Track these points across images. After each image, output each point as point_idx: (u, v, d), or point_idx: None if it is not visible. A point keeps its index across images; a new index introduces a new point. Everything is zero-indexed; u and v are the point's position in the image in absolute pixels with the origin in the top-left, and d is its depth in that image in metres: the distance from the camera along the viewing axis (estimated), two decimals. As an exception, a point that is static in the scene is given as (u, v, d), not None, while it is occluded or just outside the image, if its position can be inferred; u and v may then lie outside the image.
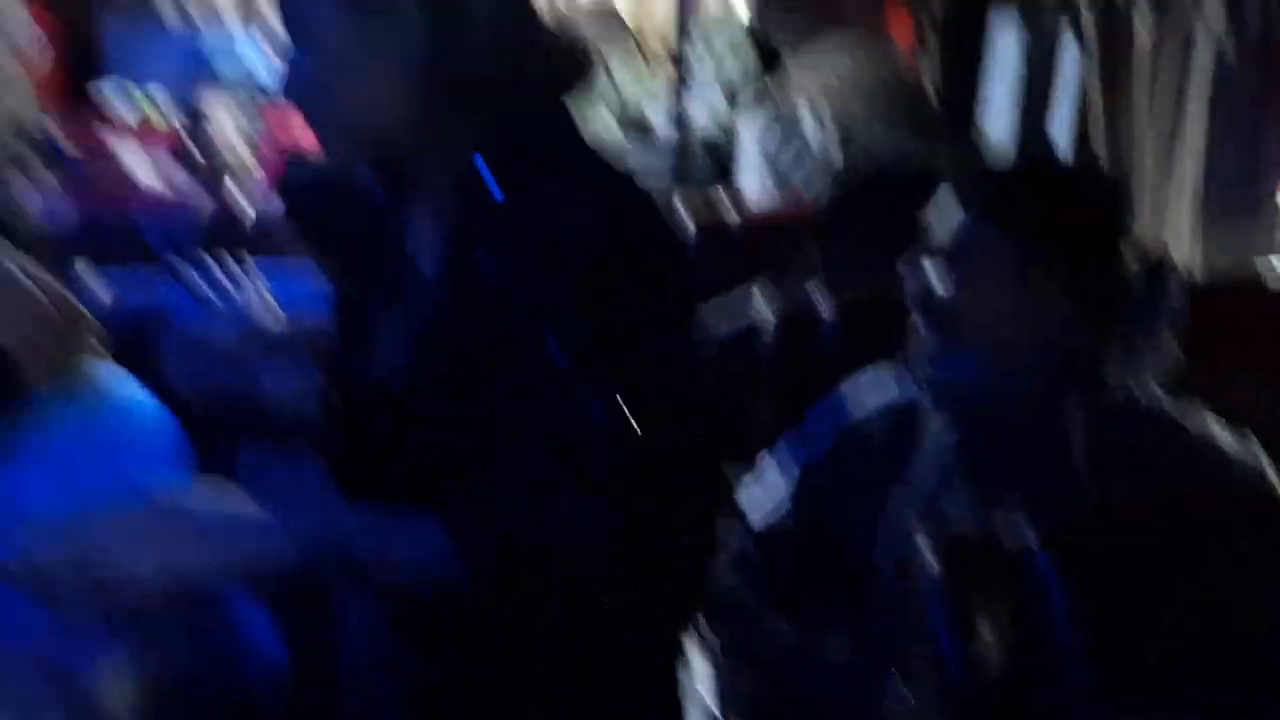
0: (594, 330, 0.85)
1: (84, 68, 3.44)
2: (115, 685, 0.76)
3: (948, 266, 1.23)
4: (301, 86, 0.89)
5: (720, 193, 3.02)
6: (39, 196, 2.22)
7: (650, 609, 0.96)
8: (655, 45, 4.24)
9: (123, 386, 1.22)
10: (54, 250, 1.27)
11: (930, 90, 3.33)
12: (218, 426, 1.35)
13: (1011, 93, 2.96)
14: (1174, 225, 2.11)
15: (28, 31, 2.78)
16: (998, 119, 3.18)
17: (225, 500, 0.79)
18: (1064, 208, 1.24)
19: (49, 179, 2.53)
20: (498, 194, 0.88)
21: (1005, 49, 3.15)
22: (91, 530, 0.74)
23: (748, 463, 1.60)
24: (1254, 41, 1.96)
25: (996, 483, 1.22)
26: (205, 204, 2.33)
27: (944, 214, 1.25)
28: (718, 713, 1.61)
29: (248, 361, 1.52)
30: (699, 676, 1.73)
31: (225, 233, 2.20)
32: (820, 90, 3.33)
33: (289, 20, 0.88)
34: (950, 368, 1.25)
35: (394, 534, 0.82)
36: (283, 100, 2.58)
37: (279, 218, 1.83)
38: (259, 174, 2.70)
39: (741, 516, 1.44)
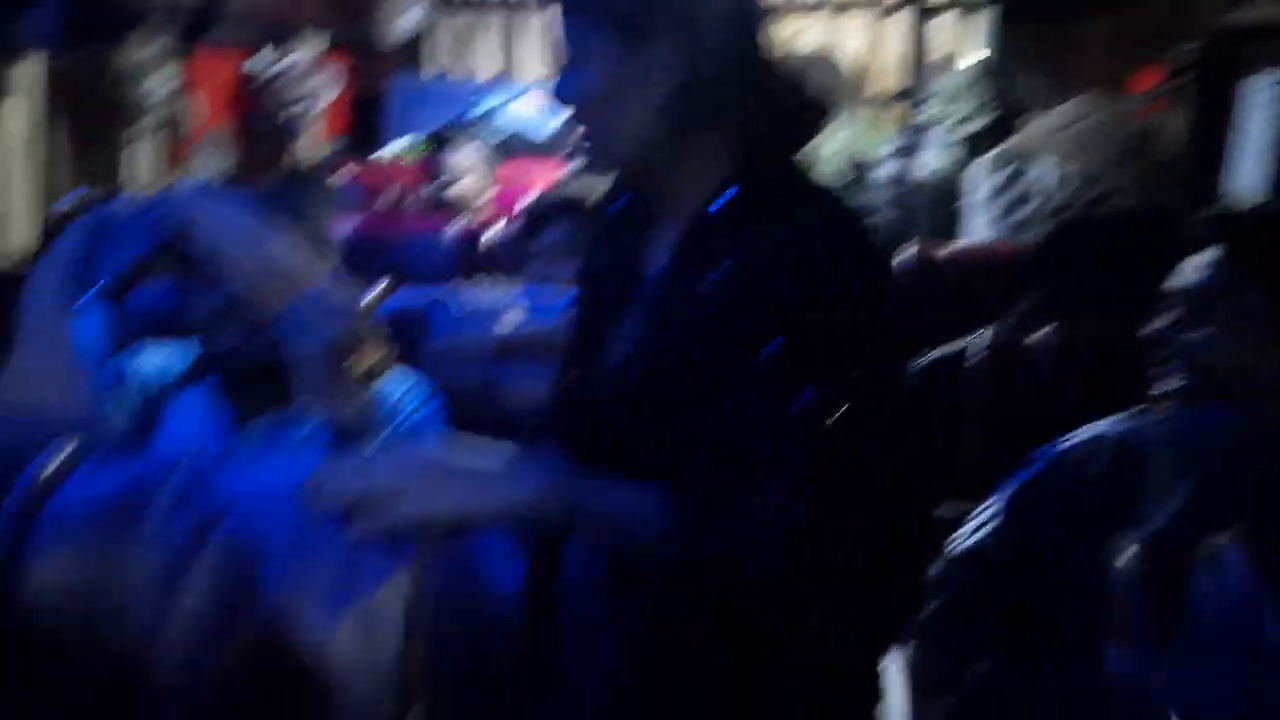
0: (809, 352, 0.91)
1: (368, 114, 3.91)
2: (391, 598, 0.90)
3: (1197, 312, 1.24)
4: (571, 93, 1.01)
5: (946, 237, 3.03)
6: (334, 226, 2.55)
7: (851, 625, 0.99)
8: (884, 89, 4.30)
9: (405, 382, 1.46)
10: (347, 271, 1.48)
11: (1175, 147, 3.24)
12: (470, 420, 1.54)
13: (1261, 149, 2.83)
14: None
15: (330, 83, 3.22)
16: (1246, 175, 3.04)
17: (481, 457, 0.94)
18: None
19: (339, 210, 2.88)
20: (729, 219, 0.98)
21: (1255, 107, 3.02)
22: (381, 471, 0.91)
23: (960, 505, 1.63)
24: None
25: (1225, 524, 1.20)
26: (460, 231, 2.59)
27: (1193, 262, 1.26)
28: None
29: (494, 365, 1.72)
30: (896, 705, 1.75)
31: (474, 255, 2.46)
32: (1058, 142, 3.30)
33: (568, 35, 1.00)
34: (1197, 413, 1.25)
35: (619, 494, 0.94)
36: (527, 151, 2.86)
37: (523, 239, 2.03)
38: (503, 208, 3.00)
39: (950, 552, 1.47)
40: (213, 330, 1.36)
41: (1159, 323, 1.28)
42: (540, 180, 3.39)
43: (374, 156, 3.66)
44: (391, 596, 0.91)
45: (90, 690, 0.93)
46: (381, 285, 1.93)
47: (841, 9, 4.21)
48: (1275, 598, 1.11)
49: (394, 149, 3.73)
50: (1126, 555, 1.22)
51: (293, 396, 1.31)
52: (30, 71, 2.11)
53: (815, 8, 4.33)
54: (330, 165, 3.22)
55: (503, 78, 4.24)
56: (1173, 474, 1.26)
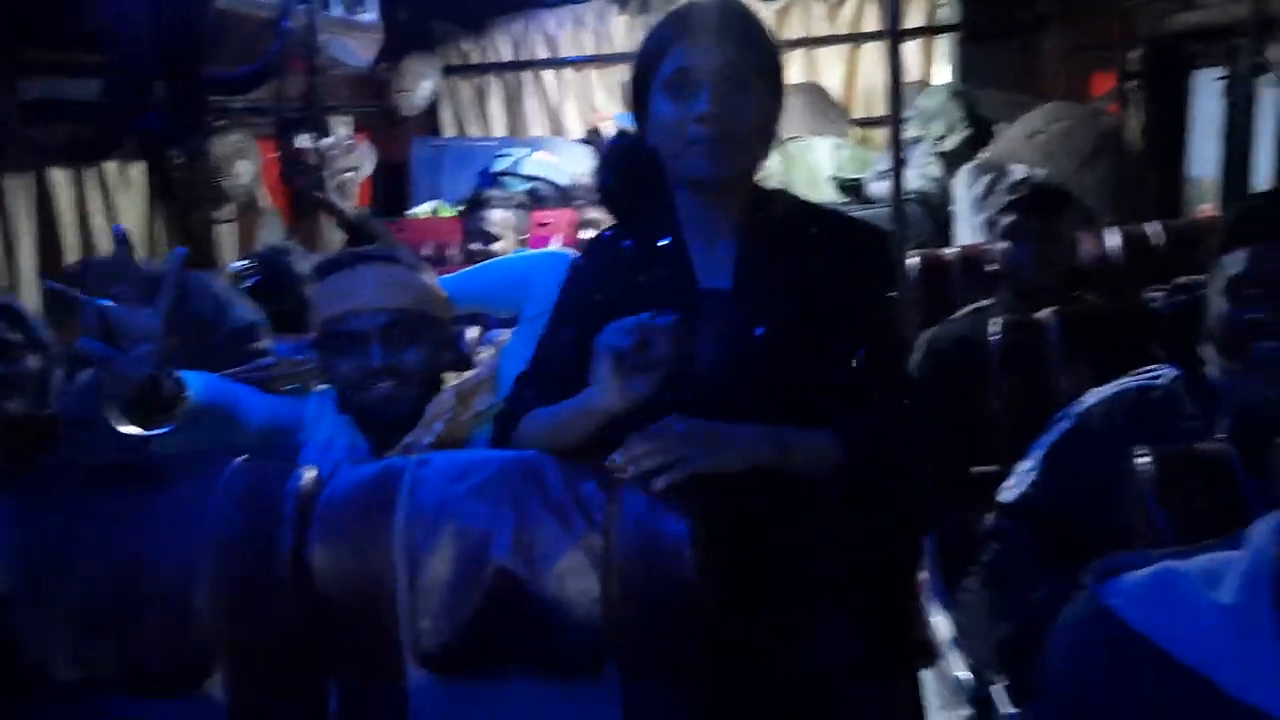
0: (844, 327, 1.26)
1: (393, 180, 4.20)
2: (589, 551, 1.18)
3: (1246, 289, 1.42)
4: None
5: (940, 243, 3.31)
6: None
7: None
8: (865, 113, 4.62)
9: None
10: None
11: (1136, 141, 3.55)
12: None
13: (1214, 138, 3.14)
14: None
15: (368, 156, 3.51)
16: (1202, 162, 3.36)
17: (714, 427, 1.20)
18: None
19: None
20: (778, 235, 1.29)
21: (1207, 99, 3.35)
22: (676, 439, 1.18)
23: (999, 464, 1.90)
24: None
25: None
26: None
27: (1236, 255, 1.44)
28: (968, 655, 1.88)
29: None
30: (951, 629, 2.02)
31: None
32: (1028, 150, 3.61)
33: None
34: (1229, 370, 1.46)
35: (804, 434, 1.24)
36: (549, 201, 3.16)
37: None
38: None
39: (999, 503, 1.74)
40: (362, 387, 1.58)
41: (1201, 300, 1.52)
42: (565, 225, 3.68)
43: (408, 215, 3.92)
44: (589, 550, 1.18)
45: (359, 638, 1.20)
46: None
47: (822, 42, 4.53)
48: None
49: (422, 210, 4.00)
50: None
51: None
52: (138, 168, 2.41)
53: (798, 43, 4.66)
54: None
55: (514, 136, 4.55)
56: (1187, 412, 1.51)
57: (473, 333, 1.95)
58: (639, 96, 1.32)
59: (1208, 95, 3.37)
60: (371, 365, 1.49)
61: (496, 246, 3.04)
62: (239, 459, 1.30)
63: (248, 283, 2.12)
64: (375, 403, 1.51)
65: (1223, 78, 3.11)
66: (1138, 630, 0.80)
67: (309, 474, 1.25)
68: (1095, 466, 1.55)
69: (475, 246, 3.05)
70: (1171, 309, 1.64)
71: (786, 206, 1.35)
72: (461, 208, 3.34)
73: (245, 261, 2.29)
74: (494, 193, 3.24)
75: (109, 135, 1.48)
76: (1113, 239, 2.74)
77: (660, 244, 1.34)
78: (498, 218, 3.07)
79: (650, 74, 1.29)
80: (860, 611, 1.35)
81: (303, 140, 3.33)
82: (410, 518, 1.20)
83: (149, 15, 1.32)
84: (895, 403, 1.31)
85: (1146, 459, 1.26)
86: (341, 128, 3.64)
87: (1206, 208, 3.54)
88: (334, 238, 3.59)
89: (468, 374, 1.61)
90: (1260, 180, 2.94)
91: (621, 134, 1.55)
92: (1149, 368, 1.64)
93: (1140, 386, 1.62)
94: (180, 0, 1.40)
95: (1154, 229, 2.76)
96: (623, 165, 1.43)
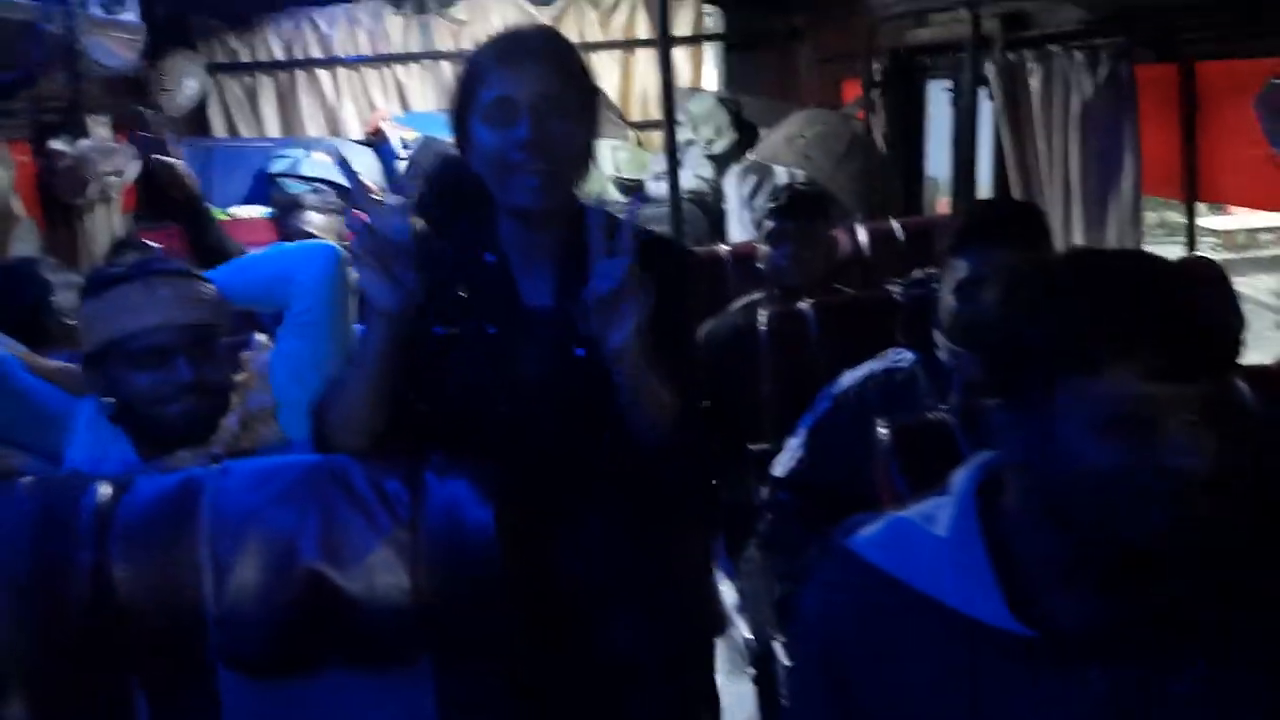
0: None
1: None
2: (397, 545, 1.24)
3: (969, 287, 1.62)
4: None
5: (712, 239, 3.52)
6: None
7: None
8: (640, 117, 4.79)
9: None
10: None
11: (881, 144, 3.89)
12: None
13: (946, 141, 3.50)
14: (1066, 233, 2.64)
15: (130, 159, 3.33)
16: (937, 162, 3.73)
17: None
18: (1029, 233, 1.67)
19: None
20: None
21: (939, 107, 3.72)
22: None
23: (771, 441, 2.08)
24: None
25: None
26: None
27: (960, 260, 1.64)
28: (751, 618, 2.06)
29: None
30: (736, 595, 2.20)
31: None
32: (788, 154, 3.88)
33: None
34: (955, 354, 1.68)
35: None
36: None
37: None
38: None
39: (772, 477, 1.92)
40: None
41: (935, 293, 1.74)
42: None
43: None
44: (397, 545, 1.24)
45: (167, 649, 1.21)
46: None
47: (595, 47, 4.67)
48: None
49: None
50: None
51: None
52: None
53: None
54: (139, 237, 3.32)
55: (290, 137, 4.43)
56: (927, 389, 1.74)
57: (263, 338, 1.94)
58: (459, 123, 1.33)
59: (940, 103, 3.74)
60: (179, 381, 1.47)
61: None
62: (26, 479, 1.27)
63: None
64: (176, 418, 1.48)
65: (950, 89, 3.47)
66: (877, 566, 0.95)
67: (104, 489, 1.25)
68: (851, 441, 1.71)
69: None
70: (909, 300, 1.88)
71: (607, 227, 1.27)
72: (234, 211, 3.25)
73: None
74: (314, 196, 3.17)
75: None
76: (863, 234, 3.02)
77: (485, 261, 1.36)
78: (319, 221, 3.01)
79: (470, 102, 1.30)
80: (661, 589, 1.44)
81: (59, 144, 3.13)
82: (215, 528, 1.22)
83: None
84: (695, 406, 1.38)
85: (884, 430, 1.45)
86: (100, 129, 3.44)
87: (943, 202, 3.94)
88: (95, 250, 3.39)
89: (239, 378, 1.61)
90: (984, 179, 3.31)
91: (446, 159, 1.52)
92: (892, 351, 1.87)
93: (886, 368, 1.85)
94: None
95: (897, 225, 3.07)
96: (444, 186, 1.43)
